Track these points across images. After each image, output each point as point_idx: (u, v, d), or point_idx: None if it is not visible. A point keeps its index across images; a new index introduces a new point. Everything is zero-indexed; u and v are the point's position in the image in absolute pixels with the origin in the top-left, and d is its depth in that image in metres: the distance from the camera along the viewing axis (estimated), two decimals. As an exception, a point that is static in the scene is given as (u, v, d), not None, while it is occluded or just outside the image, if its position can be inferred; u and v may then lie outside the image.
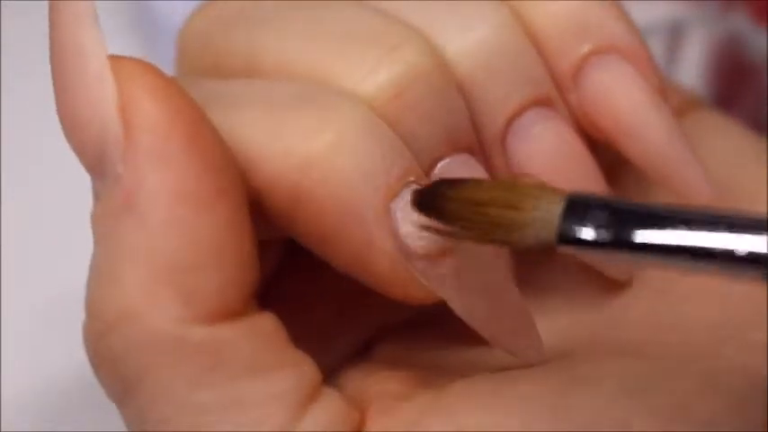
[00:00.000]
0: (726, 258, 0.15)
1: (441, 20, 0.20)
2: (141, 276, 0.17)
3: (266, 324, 0.18)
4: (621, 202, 0.16)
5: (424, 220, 0.18)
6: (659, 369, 0.18)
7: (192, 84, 0.19)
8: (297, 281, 0.21)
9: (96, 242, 0.18)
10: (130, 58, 0.18)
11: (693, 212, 0.16)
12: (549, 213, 0.16)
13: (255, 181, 0.18)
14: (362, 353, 0.22)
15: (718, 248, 0.15)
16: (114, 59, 0.17)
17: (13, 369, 0.30)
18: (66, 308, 0.31)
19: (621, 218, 0.16)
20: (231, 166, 0.18)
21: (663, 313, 0.20)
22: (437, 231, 0.18)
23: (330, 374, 0.20)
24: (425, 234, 0.18)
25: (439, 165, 0.19)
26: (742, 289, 0.20)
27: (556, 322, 0.21)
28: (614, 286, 0.21)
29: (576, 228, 0.16)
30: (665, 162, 0.20)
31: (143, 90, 0.17)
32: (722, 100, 0.36)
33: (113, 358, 0.17)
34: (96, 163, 0.17)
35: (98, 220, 0.18)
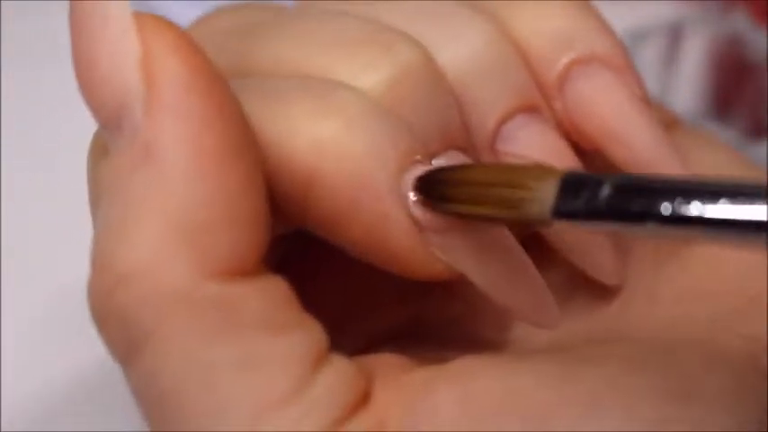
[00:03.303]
0: (724, 227, 0.15)
1: (432, 31, 0.20)
2: (156, 230, 0.17)
3: (278, 286, 0.18)
4: (617, 176, 0.17)
5: (425, 202, 0.18)
6: (663, 350, 0.19)
7: None
8: (298, 284, 0.21)
9: (107, 198, 0.17)
10: (153, 15, 0.18)
11: (693, 182, 0.16)
12: (545, 190, 0.17)
13: (267, 166, 0.18)
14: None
15: (719, 218, 0.15)
16: (137, 15, 0.17)
17: (13, 369, 0.30)
18: (66, 307, 0.31)
19: (617, 190, 0.16)
20: (248, 125, 0.18)
21: (655, 318, 0.21)
22: (438, 211, 0.18)
23: None
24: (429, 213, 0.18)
25: (433, 161, 0.19)
26: (731, 287, 0.20)
27: (550, 331, 0.21)
28: (606, 293, 0.21)
29: (571, 201, 0.17)
30: (651, 165, 0.20)
31: (165, 45, 0.17)
32: (722, 100, 0.36)
33: (122, 313, 0.17)
34: (114, 117, 0.17)
35: (111, 176, 0.17)
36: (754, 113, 0.35)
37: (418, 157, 0.18)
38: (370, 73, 0.19)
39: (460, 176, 0.19)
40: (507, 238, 0.19)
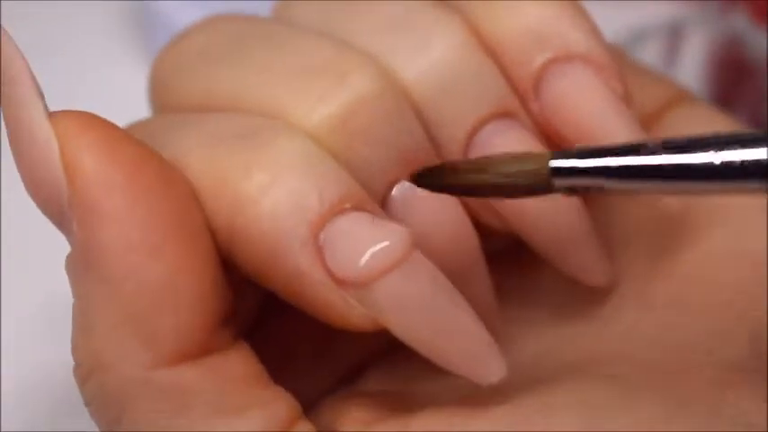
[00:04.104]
0: (722, 172, 0.16)
1: (396, 43, 0.20)
2: (106, 326, 0.18)
3: (232, 363, 0.18)
4: (606, 145, 0.18)
5: (425, 184, 0.19)
6: (630, 393, 0.18)
7: (144, 122, 0.20)
8: (279, 314, 0.22)
9: (72, 292, 0.19)
10: (74, 114, 0.18)
11: (689, 138, 0.17)
12: (539, 162, 0.18)
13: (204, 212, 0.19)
14: (347, 382, 0.22)
15: (711, 162, 0.16)
16: (57, 118, 0.18)
17: (14, 369, 0.30)
18: (66, 306, 0.31)
19: (607, 153, 0.17)
20: (182, 201, 0.18)
21: (645, 326, 0.21)
22: (441, 189, 0.19)
23: (313, 404, 0.20)
24: (375, 250, 0.18)
25: (396, 187, 0.19)
26: (722, 298, 0.20)
27: (541, 335, 0.21)
28: (597, 298, 0.21)
29: (565, 160, 0.18)
30: None
31: (82, 147, 0.18)
32: (722, 100, 0.36)
33: (95, 400, 0.18)
34: (59, 220, 0.18)
35: (69, 272, 0.19)
36: (754, 113, 0.35)
37: (348, 205, 0.18)
38: (321, 108, 0.19)
39: (457, 165, 0.19)
40: (444, 286, 0.18)
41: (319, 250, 0.18)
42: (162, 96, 0.22)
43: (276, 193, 0.18)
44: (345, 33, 0.20)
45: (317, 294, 0.18)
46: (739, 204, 0.21)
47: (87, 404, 0.19)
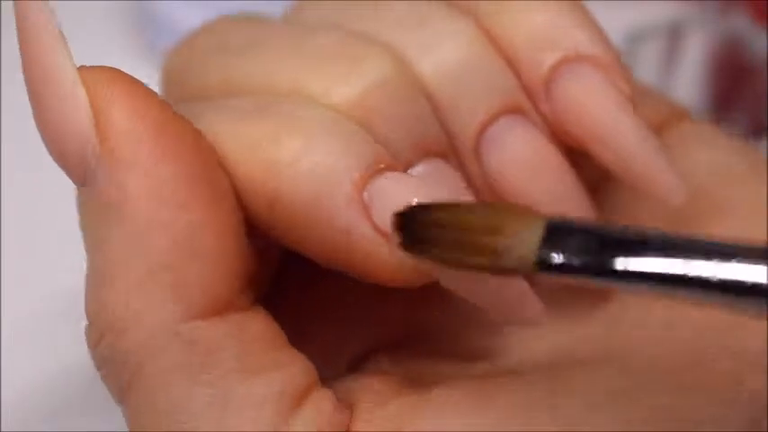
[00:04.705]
0: (717, 288, 0.15)
1: (410, 38, 0.20)
2: (131, 278, 0.17)
3: (256, 323, 0.18)
4: (603, 227, 0.16)
5: (406, 246, 0.18)
6: (645, 383, 0.19)
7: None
8: (292, 295, 0.22)
9: (87, 249, 0.18)
10: (101, 68, 0.18)
11: (682, 239, 0.15)
12: (528, 239, 0.16)
13: (235, 185, 0.19)
14: (353, 368, 0.22)
15: (710, 278, 0.15)
16: (84, 71, 0.18)
17: (14, 369, 0.30)
18: (66, 307, 0.31)
19: (602, 244, 0.16)
20: (207, 162, 0.18)
21: (651, 323, 0.21)
22: (419, 257, 0.18)
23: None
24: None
25: (411, 170, 0.19)
26: None
27: (545, 336, 0.21)
28: (602, 299, 0.21)
29: (555, 254, 0.16)
30: (637, 165, 0.20)
31: (113, 99, 0.18)
32: (722, 100, 0.36)
33: (112, 359, 0.18)
34: (80, 174, 0.18)
35: (86, 228, 0.18)
36: (754, 113, 0.35)
37: (382, 165, 0.18)
38: (341, 87, 0.19)
39: (441, 216, 0.18)
40: None
41: (366, 207, 0.18)
42: (178, 89, 0.22)
43: (313, 155, 0.18)
44: (357, 29, 0.21)
45: (365, 250, 0.18)
46: (744, 199, 0.21)
47: (99, 367, 0.18)
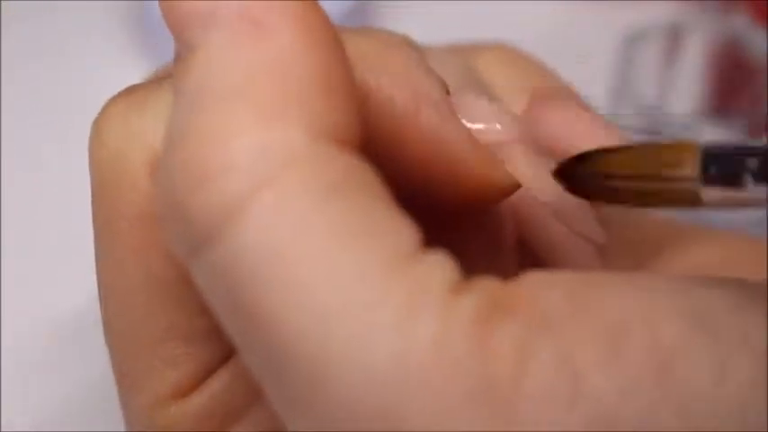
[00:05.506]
0: None
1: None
2: (273, 92, 0.17)
3: (371, 175, 0.17)
4: (755, 144, 0.17)
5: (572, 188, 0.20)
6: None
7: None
8: None
9: (191, 94, 0.17)
10: None
11: None
12: (694, 166, 0.17)
13: None
14: None
15: None
16: None
17: (14, 368, 0.30)
18: (66, 307, 0.31)
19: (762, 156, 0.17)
20: (342, 51, 0.19)
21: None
22: (589, 191, 0.20)
23: None
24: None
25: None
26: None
27: None
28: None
29: (718, 174, 0.17)
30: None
31: None
32: (722, 100, 0.36)
33: (209, 203, 0.16)
34: (206, 7, 0.18)
35: (204, 65, 0.17)
36: (753, 113, 0.35)
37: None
38: (395, 36, 0.21)
39: (602, 161, 0.19)
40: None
41: (455, 111, 0.20)
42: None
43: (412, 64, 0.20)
44: None
45: (459, 153, 0.20)
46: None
47: (177, 219, 0.16)
